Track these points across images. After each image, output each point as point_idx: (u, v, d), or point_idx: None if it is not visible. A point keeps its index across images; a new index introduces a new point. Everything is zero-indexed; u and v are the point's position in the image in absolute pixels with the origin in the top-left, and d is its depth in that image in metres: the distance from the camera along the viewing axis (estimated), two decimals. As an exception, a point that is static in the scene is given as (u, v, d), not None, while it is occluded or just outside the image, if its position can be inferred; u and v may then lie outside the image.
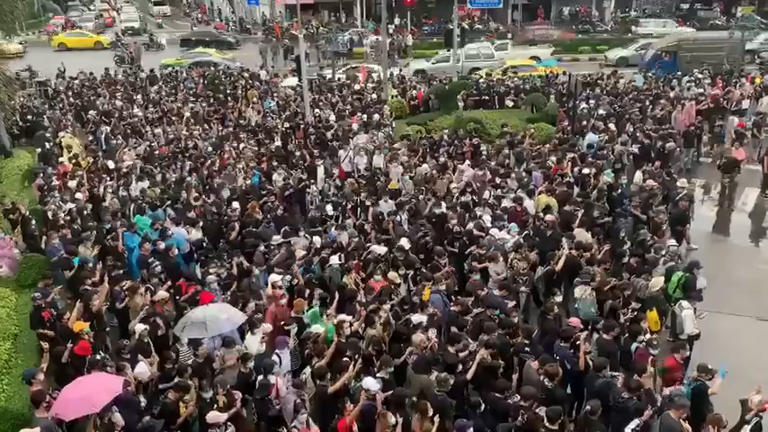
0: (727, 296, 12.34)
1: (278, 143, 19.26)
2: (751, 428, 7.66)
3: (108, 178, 16.06)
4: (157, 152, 18.55)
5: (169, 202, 14.66)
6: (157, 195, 15.03)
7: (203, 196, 15.06)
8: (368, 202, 14.02)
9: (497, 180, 15.14)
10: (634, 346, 9.17)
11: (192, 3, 60.25)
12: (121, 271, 11.66)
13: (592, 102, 22.28)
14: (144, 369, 9.10)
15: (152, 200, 14.65)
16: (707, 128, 20.35)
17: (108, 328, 11.08)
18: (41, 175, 16.48)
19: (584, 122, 19.61)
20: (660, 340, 10.11)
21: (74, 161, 17.64)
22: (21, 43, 39.56)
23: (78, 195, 14.96)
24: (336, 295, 10.48)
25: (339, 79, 29.45)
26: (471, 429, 7.37)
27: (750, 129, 19.54)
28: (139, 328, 9.65)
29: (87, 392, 7.90)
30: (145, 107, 23.85)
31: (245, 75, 29.36)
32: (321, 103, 23.77)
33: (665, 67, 27.75)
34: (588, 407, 7.75)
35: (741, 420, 7.83)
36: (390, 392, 8.07)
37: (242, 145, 18.92)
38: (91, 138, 21.07)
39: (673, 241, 12.05)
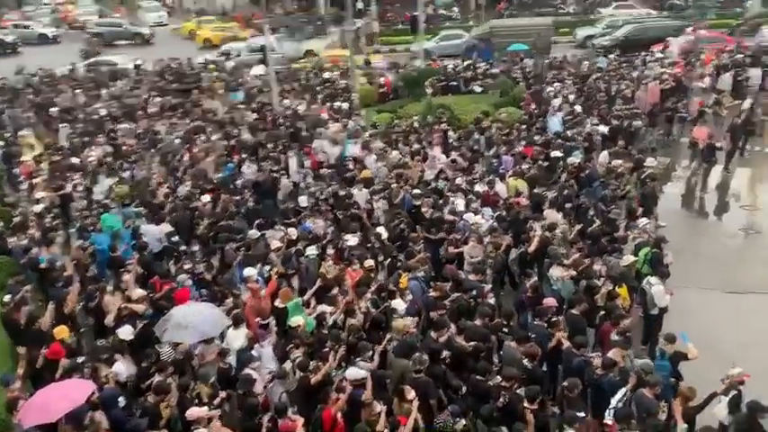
0: (694, 271, 12.65)
1: (247, 135, 19.10)
2: (729, 401, 7.83)
3: (74, 176, 15.73)
4: (124, 148, 18.23)
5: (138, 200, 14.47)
6: (126, 192, 14.81)
7: (173, 191, 14.91)
8: (342, 192, 14.03)
9: (467, 165, 15.27)
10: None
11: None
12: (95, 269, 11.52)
13: (558, 84, 22.53)
14: (121, 368, 9.01)
15: (121, 197, 14.42)
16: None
17: (82, 329, 10.99)
18: (5, 177, 16.13)
19: (551, 105, 19.85)
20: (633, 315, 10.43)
21: (37, 160, 17.27)
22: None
23: (42, 194, 14.65)
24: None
25: (305, 67, 29.26)
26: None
27: (712, 107, 20.01)
28: (126, 331, 9.52)
29: (47, 400, 7.81)
30: (107, 102, 23.39)
31: (211, 66, 28.95)
32: (291, 94, 23.61)
33: (480, 54, 28.08)
34: (566, 384, 7.90)
35: (712, 394, 8.05)
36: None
37: (214, 137, 18.69)
38: (54, 136, 20.62)
39: (645, 219, 12.30)
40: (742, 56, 25.28)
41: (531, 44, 28.43)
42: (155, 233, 12.92)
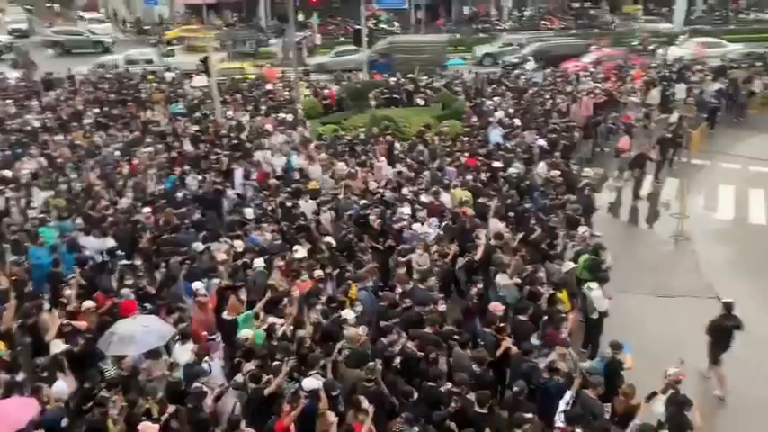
0: (629, 276, 13.16)
1: (188, 147, 18.81)
2: (667, 399, 8.21)
3: (7, 190, 15.11)
4: (60, 160, 17.64)
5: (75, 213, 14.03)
6: (64, 206, 14.34)
7: (113, 204, 14.54)
8: (288, 203, 14.01)
9: (412, 175, 15.55)
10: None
11: (86, 3, 57.11)
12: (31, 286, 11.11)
13: (497, 98, 23.17)
14: (63, 387, 8.72)
15: (58, 210, 13.96)
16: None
17: (19, 347, 10.55)
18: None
19: (491, 118, 20.41)
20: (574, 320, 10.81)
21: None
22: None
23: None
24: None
25: (246, 80, 29.07)
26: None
27: (641, 120, 21.05)
28: (57, 344, 9.22)
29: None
30: (41, 113, 22.58)
31: (150, 77, 28.37)
32: (233, 105, 23.40)
33: (381, 69, 28.82)
34: (516, 388, 8.14)
35: (652, 393, 8.44)
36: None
37: (149, 149, 18.29)
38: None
39: (583, 227, 12.80)
40: (668, 71, 26.71)
41: (427, 60, 29.18)
42: (95, 246, 12.62)
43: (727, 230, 16.14)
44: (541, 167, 16.27)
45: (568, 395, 8.06)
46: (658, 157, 18.25)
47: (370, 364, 8.32)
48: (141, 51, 35.77)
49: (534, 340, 9.29)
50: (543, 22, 47.13)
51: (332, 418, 7.59)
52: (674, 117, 20.36)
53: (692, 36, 36.34)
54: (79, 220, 13.56)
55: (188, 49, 35.84)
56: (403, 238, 12.33)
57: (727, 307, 10.22)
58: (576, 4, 51.41)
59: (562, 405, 7.97)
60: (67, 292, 10.63)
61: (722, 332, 10.14)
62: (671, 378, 8.35)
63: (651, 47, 35.70)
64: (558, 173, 15.35)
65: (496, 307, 9.93)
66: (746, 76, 25.10)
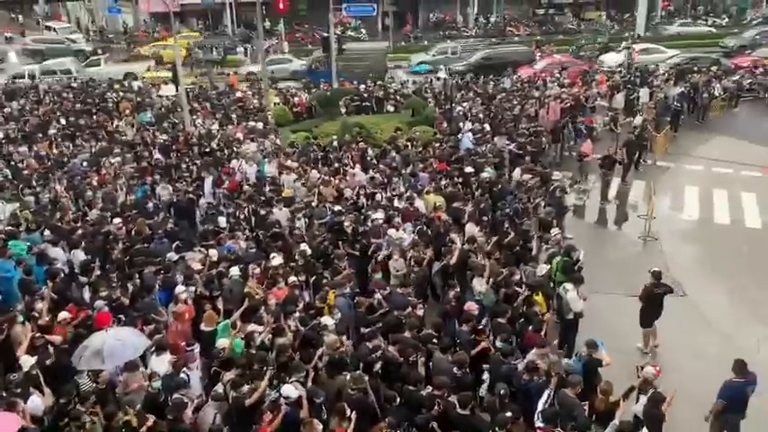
0: (599, 276, 13.33)
1: (158, 156, 18.60)
2: (648, 398, 8.32)
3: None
4: (26, 172, 17.28)
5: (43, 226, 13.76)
6: (32, 218, 14.04)
7: (82, 215, 14.30)
8: (262, 211, 13.95)
9: (386, 181, 15.63)
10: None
11: (47, 12, 55.94)
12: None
13: (466, 104, 23.43)
14: (37, 403, 8.54)
15: (27, 222, 13.67)
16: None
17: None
18: None
19: (461, 123, 20.62)
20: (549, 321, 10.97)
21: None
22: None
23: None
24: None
25: (217, 87, 28.92)
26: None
27: (608, 124, 21.50)
28: (27, 361, 9.03)
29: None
30: (4, 124, 22.12)
31: (116, 86, 27.99)
32: (202, 113, 23.23)
33: (322, 77, 29.07)
34: (501, 391, 8.20)
35: (630, 388, 8.62)
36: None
37: (117, 159, 18.03)
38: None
39: (556, 230, 13.01)
40: (631, 76, 27.35)
41: (367, 67, 29.48)
42: (64, 258, 12.38)
43: (694, 230, 16.56)
44: (516, 173, 16.48)
45: (546, 395, 8.18)
46: (625, 159, 18.66)
47: (356, 373, 8.32)
48: (60, 61, 34.85)
49: (498, 343, 9.37)
50: (509, 28, 47.71)
51: (319, 426, 7.56)
52: (638, 120, 20.84)
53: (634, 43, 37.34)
54: (47, 232, 13.27)
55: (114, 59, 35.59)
56: (379, 243, 12.36)
57: (656, 276, 11.27)
58: (541, 11, 52.20)
59: (540, 405, 8.08)
60: (39, 305, 10.41)
61: (653, 298, 11.19)
62: (650, 378, 8.49)
63: (587, 52, 36.52)
64: (530, 176, 15.58)
65: (471, 306, 10.04)
66: (706, 79, 25.82)
